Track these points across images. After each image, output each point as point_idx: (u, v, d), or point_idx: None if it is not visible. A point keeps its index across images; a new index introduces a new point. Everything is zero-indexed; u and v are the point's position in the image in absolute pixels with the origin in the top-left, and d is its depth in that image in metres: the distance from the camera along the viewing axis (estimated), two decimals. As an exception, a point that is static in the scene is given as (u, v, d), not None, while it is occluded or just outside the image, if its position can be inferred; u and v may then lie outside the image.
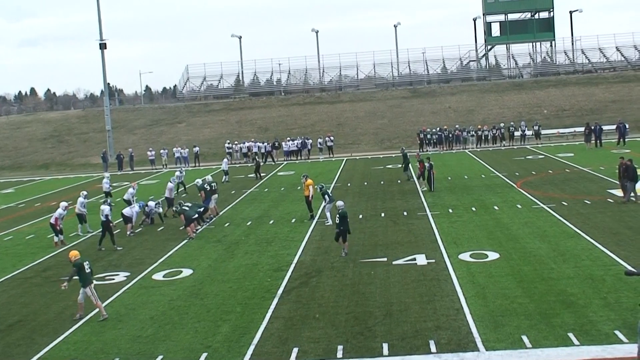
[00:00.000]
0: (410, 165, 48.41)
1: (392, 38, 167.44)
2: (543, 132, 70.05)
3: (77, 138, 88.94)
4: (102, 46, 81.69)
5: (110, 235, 32.08)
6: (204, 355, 17.73)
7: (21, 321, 21.89)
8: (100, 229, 32.46)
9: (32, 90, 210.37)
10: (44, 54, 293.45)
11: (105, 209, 32.69)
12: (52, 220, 33.83)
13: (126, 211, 34.94)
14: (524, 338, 17.20)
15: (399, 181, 47.28)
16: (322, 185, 35.58)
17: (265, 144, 70.74)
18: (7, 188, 62.80)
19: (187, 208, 33.15)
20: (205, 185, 37.92)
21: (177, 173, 47.42)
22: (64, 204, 35.39)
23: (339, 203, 28.34)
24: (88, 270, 21.43)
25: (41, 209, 46.36)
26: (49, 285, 26.01)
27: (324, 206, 34.87)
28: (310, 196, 35.50)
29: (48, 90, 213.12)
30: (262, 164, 59.43)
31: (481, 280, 22.45)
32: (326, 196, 34.36)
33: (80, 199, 36.81)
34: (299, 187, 43.93)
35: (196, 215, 33.46)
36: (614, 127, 64.19)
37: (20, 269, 29.22)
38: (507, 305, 19.71)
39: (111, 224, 32.25)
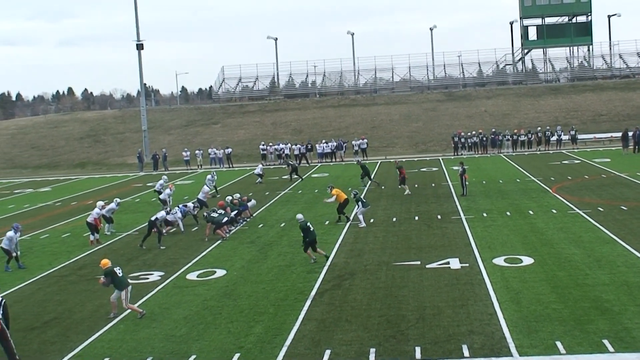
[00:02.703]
0: (369, 173, 49.38)
1: (427, 41, 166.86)
2: (579, 137, 69.48)
3: (113, 138, 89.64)
4: (139, 47, 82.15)
5: (158, 234, 32.40)
6: (237, 355, 17.79)
7: (56, 318, 22.11)
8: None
9: (70, 90, 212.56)
10: (81, 54, 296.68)
11: (161, 214, 33.32)
12: (90, 219, 34.14)
13: (170, 217, 35.02)
14: (558, 344, 17.07)
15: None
16: (356, 192, 35.91)
17: (299, 145, 70.86)
18: (44, 187, 63.42)
19: (215, 215, 33.29)
20: (234, 202, 37.65)
21: (209, 177, 47.74)
22: (100, 203, 35.78)
23: (298, 216, 28.67)
24: (121, 275, 21.64)
25: (77, 208, 46.76)
26: (84, 284, 26.25)
27: (357, 211, 34.88)
28: (336, 199, 35.53)
29: (85, 90, 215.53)
30: (297, 165, 59.30)
31: (515, 285, 22.32)
32: (359, 202, 34.51)
33: (112, 205, 37.11)
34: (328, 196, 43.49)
35: (225, 219, 33.54)
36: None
37: (56, 267, 29.52)
38: (541, 311, 19.57)
39: (154, 229, 32.48)
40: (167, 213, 34.76)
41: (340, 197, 35.53)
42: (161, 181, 47.14)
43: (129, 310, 21.70)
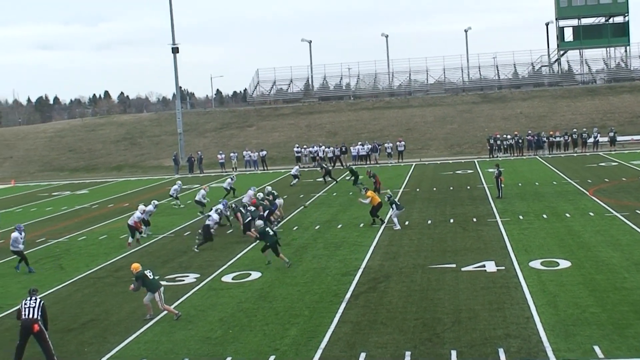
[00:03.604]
0: (357, 177, 49.98)
1: (462, 43, 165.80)
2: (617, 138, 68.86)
3: (149, 140, 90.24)
4: (175, 50, 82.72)
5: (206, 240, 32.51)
6: (272, 357, 17.79)
7: (94, 320, 22.26)
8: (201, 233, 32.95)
9: (106, 93, 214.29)
10: (118, 58, 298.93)
11: (213, 218, 33.41)
12: (131, 222, 34.28)
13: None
14: (596, 348, 16.89)
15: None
16: (390, 195, 35.65)
17: (333, 148, 70.93)
18: (81, 189, 64.04)
19: (243, 212, 33.64)
20: (264, 199, 37.90)
21: (229, 180, 48.63)
22: (141, 207, 35.89)
23: (258, 222, 29.17)
24: (152, 277, 21.80)
25: (114, 210, 47.11)
26: (121, 285, 26.38)
27: (392, 213, 34.73)
28: (370, 201, 35.36)
29: (121, 93, 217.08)
30: (331, 168, 59.37)
31: (552, 288, 22.14)
32: (393, 205, 34.35)
33: (150, 208, 37.34)
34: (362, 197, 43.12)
35: (249, 219, 33.56)
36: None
37: (93, 269, 29.73)
38: (579, 315, 19.39)
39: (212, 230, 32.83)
40: (219, 215, 34.69)
41: (375, 200, 35.41)
42: (176, 186, 47.44)
43: (164, 312, 21.82)
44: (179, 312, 21.74)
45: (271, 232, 28.14)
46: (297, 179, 54.44)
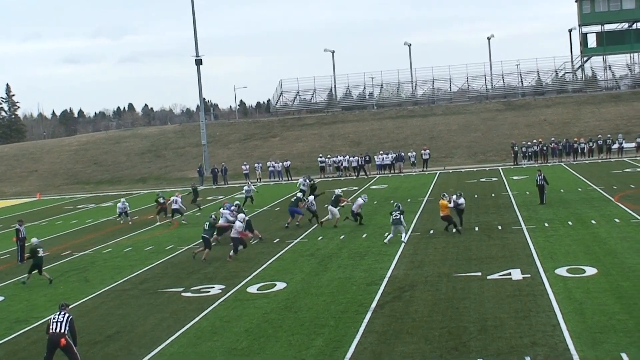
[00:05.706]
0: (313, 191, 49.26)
1: (485, 50, 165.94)
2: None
3: (173, 152, 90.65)
4: (198, 62, 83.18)
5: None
6: (298, 368, 17.82)
7: (119, 332, 22.34)
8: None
9: (130, 105, 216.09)
10: (142, 70, 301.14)
11: (237, 224, 32.86)
12: (235, 234, 33.14)
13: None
14: (624, 356, 16.75)
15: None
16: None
17: (356, 157, 70.87)
18: (106, 202, 64.34)
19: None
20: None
21: (246, 187, 50.39)
22: (241, 216, 34.88)
23: (33, 240, 30.15)
24: None
25: (139, 223, 47.24)
26: (146, 297, 26.51)
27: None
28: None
29: (145, 105, 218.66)
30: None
31: (578, 295, 21.99)
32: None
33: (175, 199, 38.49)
34: (392, 201, 42.91)
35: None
36: None
37: (118, 281, 29.82)
38: (606, 322, 19.24)
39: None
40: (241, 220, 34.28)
41: (443, 210, 34.66)
42: (120, 204, 48.08)
43: (190, 324, 21.96)
44: None
45: (41, 254, 29.43)
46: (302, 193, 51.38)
